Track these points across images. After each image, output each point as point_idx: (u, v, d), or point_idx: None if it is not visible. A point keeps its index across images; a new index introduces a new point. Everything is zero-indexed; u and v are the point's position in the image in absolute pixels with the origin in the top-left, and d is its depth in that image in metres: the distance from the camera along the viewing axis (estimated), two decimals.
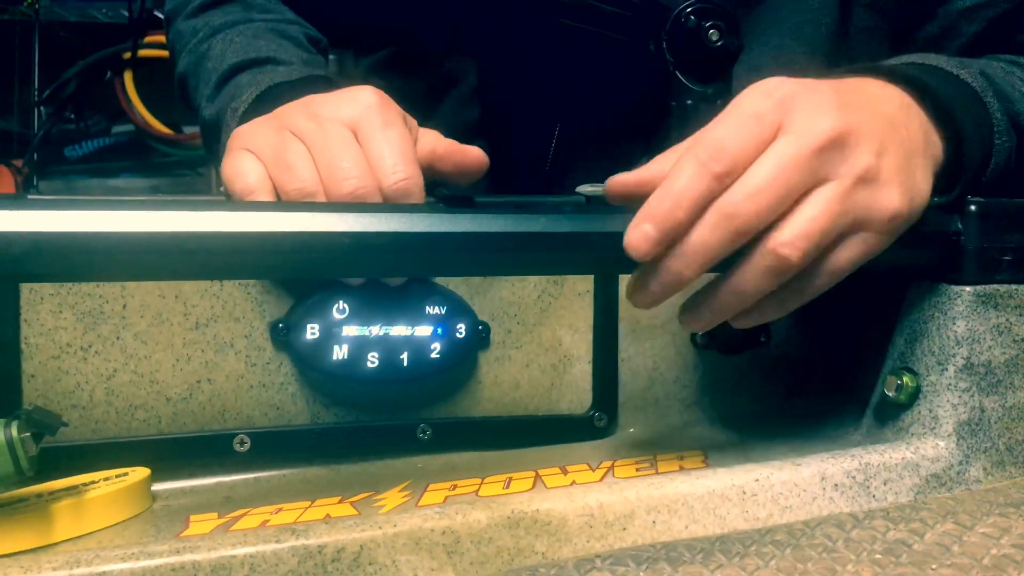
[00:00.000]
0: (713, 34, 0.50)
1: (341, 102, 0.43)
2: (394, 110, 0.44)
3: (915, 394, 0.44)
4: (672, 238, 0.37)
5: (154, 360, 0.43)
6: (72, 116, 2.06)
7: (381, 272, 0.42)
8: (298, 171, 0.41)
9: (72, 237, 0.33)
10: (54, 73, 2.05)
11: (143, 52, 1.98)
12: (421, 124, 0.47)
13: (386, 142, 0.42)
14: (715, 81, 0.52)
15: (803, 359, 0.52)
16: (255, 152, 0.42)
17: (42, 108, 1.99)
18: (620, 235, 0.38)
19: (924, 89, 0.42)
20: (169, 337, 0.44)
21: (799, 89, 0.38)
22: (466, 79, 0.65)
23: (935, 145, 0.42)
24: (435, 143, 0.46)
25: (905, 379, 0.44)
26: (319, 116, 0.43)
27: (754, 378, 0.51)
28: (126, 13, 2.04)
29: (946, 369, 0.43)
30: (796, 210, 0.37)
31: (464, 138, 0.69)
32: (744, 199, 0.36)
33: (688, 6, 0.51)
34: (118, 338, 0.43)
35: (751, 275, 0.38)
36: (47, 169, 2.02)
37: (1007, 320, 0.43)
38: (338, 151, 0.41)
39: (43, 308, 0.42)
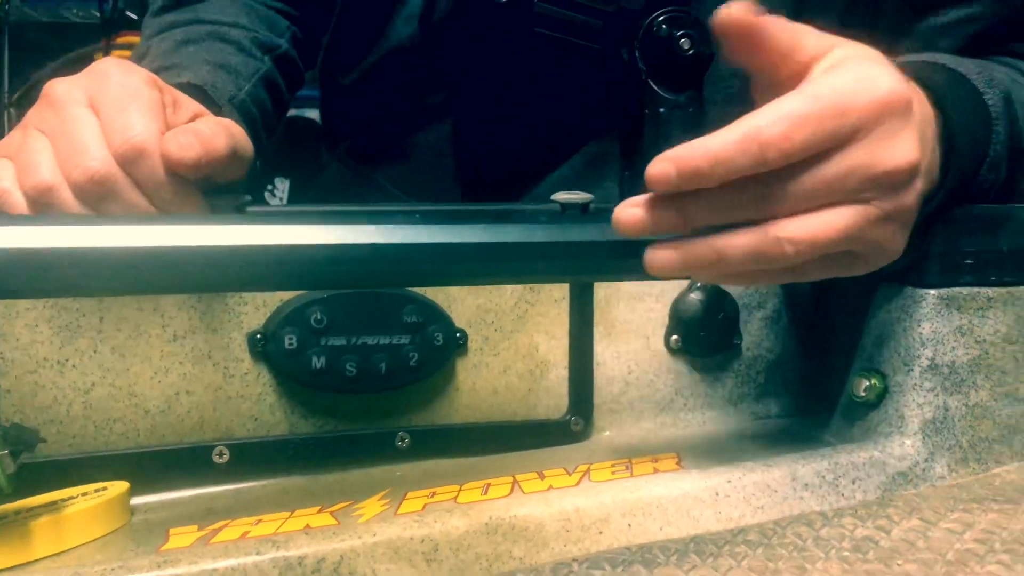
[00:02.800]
0: (685, 43, 0.51)
1: (77, 82, 0.42)
2: (134, 73, 0.43)
3: (882, 394, 0.45)
4: (689, 184, 0.34)
5: (132, 373, 0.44)
6: None
7: (359, 284, 0.42)
8: (33, 167, 0.40)
9: (46, 253, 0.33)
10: (24, 73, 2.03)
11: (115, 53, 1.96)
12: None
13: (117, 107, 0.40)
14: (688, 89, 0.53)
15: (774, 361, 0.53)
16: (6, 156, 0.42)
17: (12, 110, 1.97)
18: (596, 244, 0.39)
19: (947, 123, 0.42)
20: (147, 350, 0.44)
21: (892, 101, 0.35)
22: (441, 88, 0.65)
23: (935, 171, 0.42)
24: (198, 114, 0.45)
25: (873, 380, 0.45)
26: (54, 100, 0.41)
27: (726, 380, 0.52)
28: (97, 13, 2.02)
29: (912, 370, 0.44)
30: (820, 211, 0.35)
31: (440, 146, 0.69)
32: (795, 194, 0.34)
33: (660, 15, 0.52)
34: (95, 351, 0.43)
35: (739, 244, 0.35)
36: None
37: (969, 322, 0.44)
38: (74, 133, 0.40)
39: (18, 323, 0.42)
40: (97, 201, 0.40)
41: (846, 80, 0.35)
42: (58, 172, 0.40)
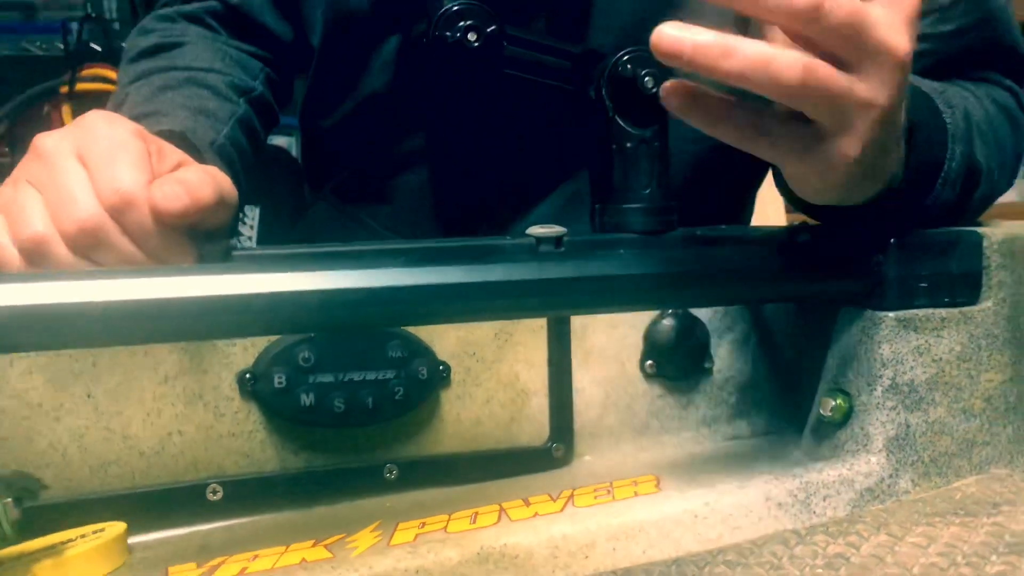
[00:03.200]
0: (648, 81, 0.53)
1: (65, 135, 0.43)
2: (120, 125, 0.44)
3: (848, 413, 0.48)
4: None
5: (125, 416, 0.45)
6: (7, 149, 2.03)
7: (345, 327, 0.44)
8: (24, 220, 0.41)
9: (40, 309, 0.35)
10: None
11: (81, 86, 1.95)
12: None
13: (105, 159, 0.41)
14: (652, 124, 0.55)
15: (744, 383, 0.55)
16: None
17: None
18: (573, 280, 0.41)
19: (910, 128, 0.44)
20: (139, 392, 0.45)
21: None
22: (418, 131, 0.67)
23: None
24: (182, 162, 0.46)
25: (838, 400, 0.48)
26: (43, 154, 0.42)
27: (700, 402, 0.54)
28: (61, 46, 2.02)
29: (874, 389, 0.46)
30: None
31: (421, 186, 0.71)
32: None
33: (624, 55, 0.54)
34: (89, 396, 0.44)
35: (749, 47, 0.35)
36: None
37: (926, 342, 0.47)
38: (64, 185, 0.41)
39: (12, 372, 0.43)
40: (88, 250, 0.42)
41: None
42: (50, 223, 0.41)
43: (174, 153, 0.46)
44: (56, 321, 0.35)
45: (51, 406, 0.44)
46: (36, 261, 0.42)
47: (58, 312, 0.35)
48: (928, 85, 0.50)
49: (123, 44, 2.07)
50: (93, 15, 2.05)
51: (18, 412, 0.43)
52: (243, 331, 0.42)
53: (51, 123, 1.95)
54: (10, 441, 0.43)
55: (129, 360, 0.45)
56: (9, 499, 0.35)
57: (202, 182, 0.42)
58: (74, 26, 2.01)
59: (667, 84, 0.39)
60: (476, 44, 0.53)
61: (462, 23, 0.53)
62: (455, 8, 0.54)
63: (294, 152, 1.40)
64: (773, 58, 0.35)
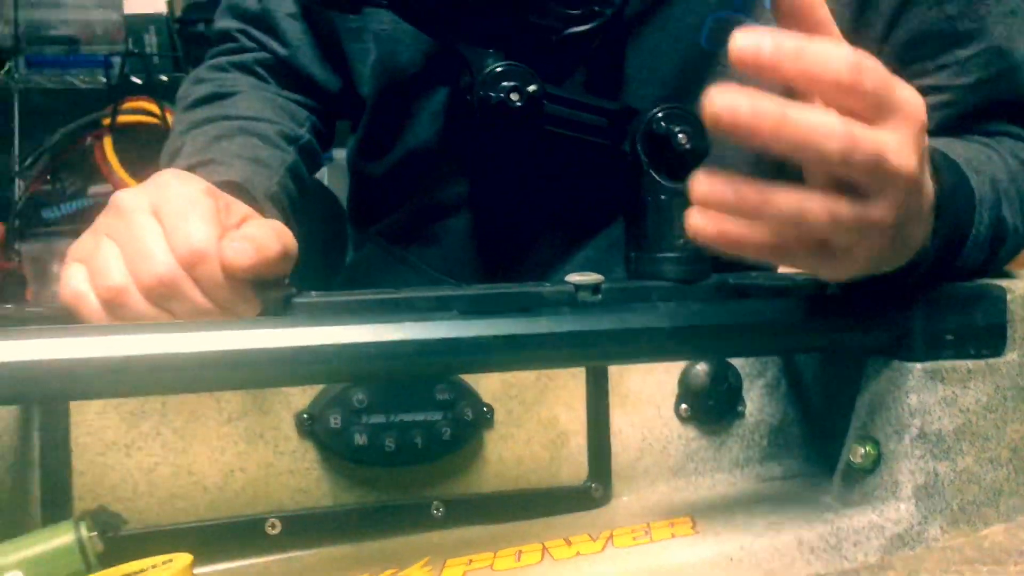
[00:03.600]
0: (682, 138, 0.56)
1: (143, 190, 0.47)
2: (192, 183, 0.47)
3: (877, 460, 0.49)
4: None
5: (191, 453, 0.47)
6: (49, 178, 2.09)
7: (398, 376, 0.47)
8: (105, 271, 0.44)
9: (119, 361, 0.38)
10: (32, 137, 2.08)
11: (122, 118, 2.01)
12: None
13: (179, 216, 0.44)
14: (685, 178, 0.58)
15: (776, 426, 0.57)
16: (79, 260, 0.46)
17: (19, 180, 2.02)
18: (614, 332, 0.44)
19: (939, 196, 0.45)
20: (204, 431, 0.48)
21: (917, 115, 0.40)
22: (462, 181, 0.70)
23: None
24: (247, 217, 0.48)
25: (868, 447, 0.50)
26: (122, 210, 0.46)
27: (733, 445, 0.56)
28: (104, 79, 2.08)
29: (903, 438, 0.48)
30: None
31: (466, 231, 0.74)
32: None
33: (659, 111, 0.57)
34: (158, 434, 0.47)
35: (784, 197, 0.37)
36: (26, 232, 2.04)
37: (953, 392, 0.49)
38: (142, 239, 0.44)
39: (90, 410, 0.46)
40: (162, 301, 0.45)
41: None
42: (128, 275, 0.44)
43: (240, 207, 0.49)
44: (134, 372, 0.38)
45: (124, 443, 0.47)
46: (114, 309, 0.45)
47: (136, 363, 0.38)
48: (955, 149, 0.52)
49: (162, 77, 2.13)
50: (135, 51, 2.12)
51: (94, 448, 0.46)
52: (303, 381, 0.45)
53: (93, 154, 2.01)
54: (87, 476, 0.46)
55: (195, 400, 0.48)
56: (94, 533, 0.37)
57: (268, 237, 0.45)
58: (116, 60, 2.08)
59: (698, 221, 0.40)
60: (519, 104, 0.56)
61: (505, 83, 0.57)
62: (499, 69, 0.57)
63: (326, 181, 1.45)
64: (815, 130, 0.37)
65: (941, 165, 0.47)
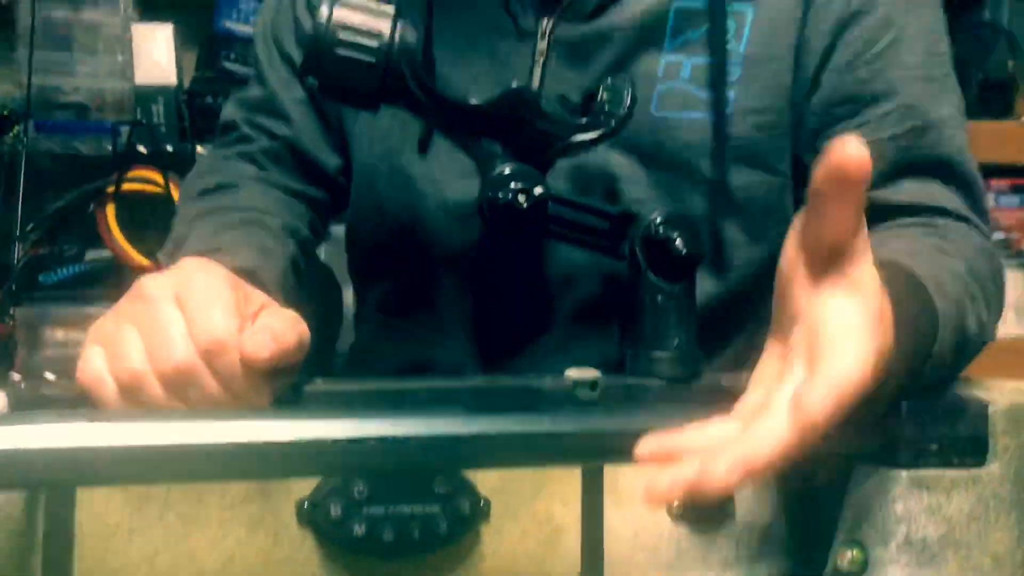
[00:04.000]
0: (679, 243, 0.59)
1: (167, 278, 0.48)
2: (215, 274, 0.49)
3: (863, 565, 0.51)
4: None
5: (192, 539, 0.48)
6: (47, 242, 2.11)
7: (402, 472, 0.48)
8: (124, 355, 0.45)
9: (129, 450, 0.39)
10: (35, 201, 2.10)
11: (126, 186, 2.04)
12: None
13: (201, 306, 0.46)
14: (681, 281, 0.60)
15: (765, 528, 0.58)
16: (99, 343, 0.47)
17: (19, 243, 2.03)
18: (611, 433, 0.45)
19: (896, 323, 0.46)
20: (207, 517, 0.49)
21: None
22: (459, 269, 0.73)
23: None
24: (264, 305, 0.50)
25: (854, 552, 0.51)
26: (145, 296, 0.47)
27: (723, 545, 0.57)
28: (109, 148, 2.12)
29: (889, 544, 0.50)
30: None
31: (463, 312, 0.76)
32: None
33: (657, 217, 0.60)
34: (161, 519, 0.48)
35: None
36: (22, 296, 2.05)
37: (937, 500, 0.50)
38: (163, 327, 0.45)
39: (96, 492, 0.47)
40: (179, 389, 0.46)
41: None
42: (147, 361, 0.46)
43: (258, 296, 0.51)
44: (147, 462, 0.40)
45: (127, 527, 0.47)
46: (130, 394, 0.46)
47: (149, 453, 0.40)
48: (924, 268, 0.53)
49: (168, 148, 2.17)
50: (142, 121, 2.16)
51: (97, 532, 0.47)
52: (312, 473, 0.47)
53: (95, 220, 2.03)
54: (87, 559, 0.47)
55: (200, 485, 0.49)
56: None
57: (285, 330, 0.47)
58: (123, 128, 2.11)
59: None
60: (525, 206, 0.59)
61: (513, 185, 0.59)
62: (507, 171, 0.60)
63: (323, 256, 1.47)
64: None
65: (904, 295, 0.48)
